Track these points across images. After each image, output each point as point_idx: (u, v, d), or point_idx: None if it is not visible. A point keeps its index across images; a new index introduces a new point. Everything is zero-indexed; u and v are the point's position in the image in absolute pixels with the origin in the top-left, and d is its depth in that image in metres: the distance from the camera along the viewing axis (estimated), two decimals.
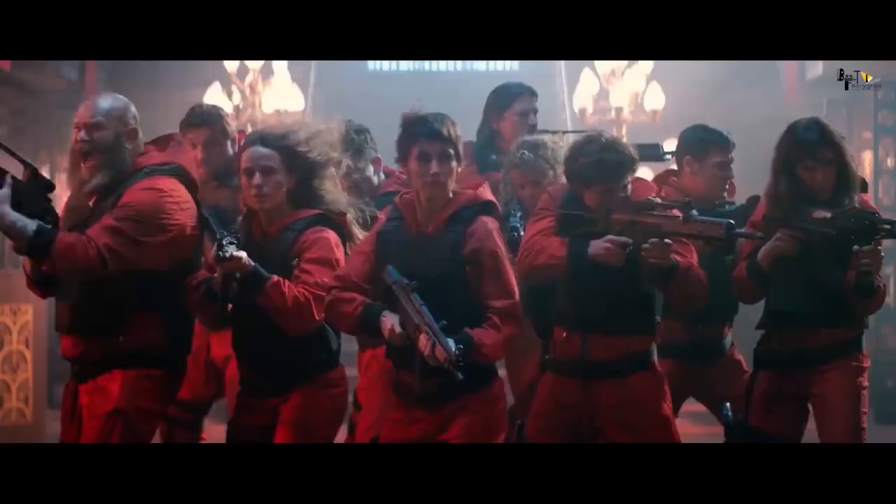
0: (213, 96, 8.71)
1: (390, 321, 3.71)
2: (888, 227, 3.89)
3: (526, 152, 4.55)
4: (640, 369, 4.02)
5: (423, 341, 3.59)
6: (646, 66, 8.84)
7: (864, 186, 4.19)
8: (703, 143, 4.60)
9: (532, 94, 5.21)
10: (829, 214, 3.94)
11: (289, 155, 3.93)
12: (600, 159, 3.94)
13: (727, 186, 4.68)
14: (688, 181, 4.64)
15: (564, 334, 4.05)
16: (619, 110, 8.79)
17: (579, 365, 3.99)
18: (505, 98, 5.18)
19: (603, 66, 8.95)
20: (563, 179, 4.34)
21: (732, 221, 3.85)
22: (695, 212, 3.88)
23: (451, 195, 3.85)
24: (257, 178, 3.89)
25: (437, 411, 3.85)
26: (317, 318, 3.82)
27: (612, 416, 4.00)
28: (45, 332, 7.25)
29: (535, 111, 5.18)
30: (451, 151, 3.82)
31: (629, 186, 4.00)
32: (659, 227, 3.88)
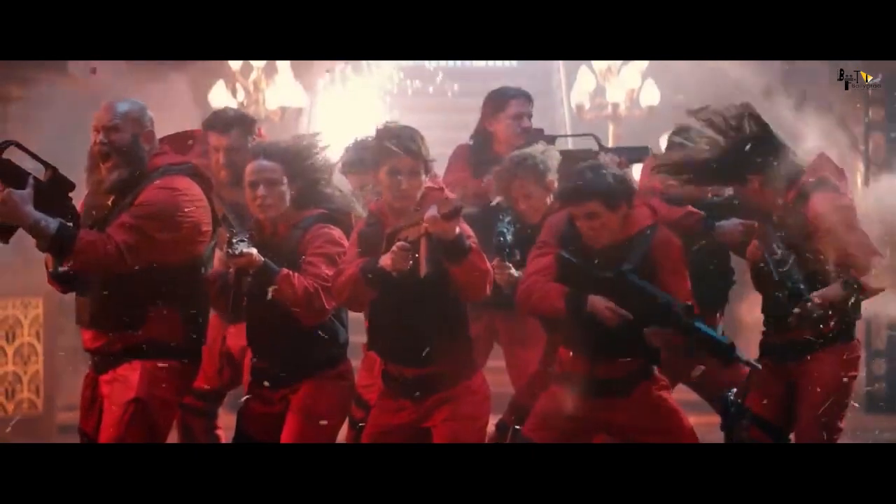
0: (218, 94, 8.81)
1: (390, 252, 3.85)
2: (797, 313, 4.05)
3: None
4: (644, 379, 4.20)
5: (430, 210, 3.74)
6: (641, 63, 8.93)
7: (820, 183, 4.25)
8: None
9: (527, 98, 5.26)
10: (778, 254, 4.11)
11: (291, 165, 4.11)
12: (579, 185, 4.12)
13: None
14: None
15: (571, 354, 4.22)
16: (615, 106, 8.88)
17: (587, 382, 4.15)
18: (499, 100, 5.25)
19: (600, 63, 9.03)
20: (555, 187, 4.53)
21: (734, 345, 4.00)
22: (700, 324, 4.00)
23: (418, 197, 4.01)
24: (261, 190, 4.07)
25: (422, 400, 4.05)
26: (327, 306, 3.99)
27: (626, 424, 4.17)
28: (56, 324, 7.39)
29: (530, 115, 5.23)
30: (421, 166, 4.00)
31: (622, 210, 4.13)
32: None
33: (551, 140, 5.15)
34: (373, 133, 4.11)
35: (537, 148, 4.75)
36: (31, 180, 3.88)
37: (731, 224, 4.48)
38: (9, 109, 8.94)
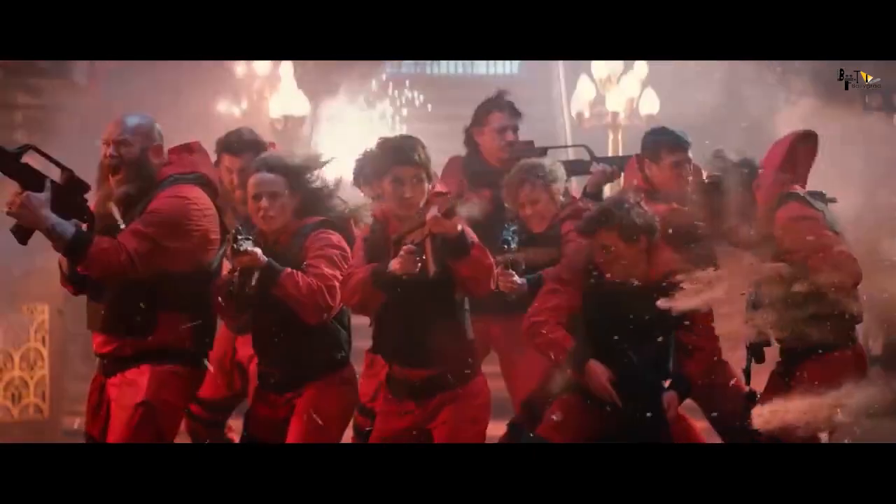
0: (222, 103, 8.87)
1: (399, 256, 3.96)
2: None
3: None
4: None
5: (431, 211, 3.86)
6: (641, 72, 8.99)
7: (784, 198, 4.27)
8: (657, 146, 4.88)
9: (512, 110, 5.25)
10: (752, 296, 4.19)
11: (293, 178, 4.20)
12: (595, 212, 4.24)
13: (690, 179, 4.88)
14: (652, 181, 4.91)
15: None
16: (614, 115, 8.93)
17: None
18: (484, 112, 5.27)
19: (600, 72, 9.10)
20: (559, 198, 4.60)
21: None
22: None
23: (422, 205, 4.10)
24: (264, 202, 4.16)
25: (426, 403, 4.15)
26: (331, 304, 4.07)
27: None
28: (61, 330, 7.46)
29: (515, 128, 5.23)
30: (424, 175, 4.10)
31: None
32: None
33: (543, 151, 5.23)
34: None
35: (545, 159, 4.86)
36: (48, 183, 3.97)
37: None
38: (15, 117, 9.02)
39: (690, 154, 4.92)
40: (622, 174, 5.28)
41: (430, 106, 10.45)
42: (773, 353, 4.44)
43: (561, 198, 4.83)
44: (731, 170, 4.27)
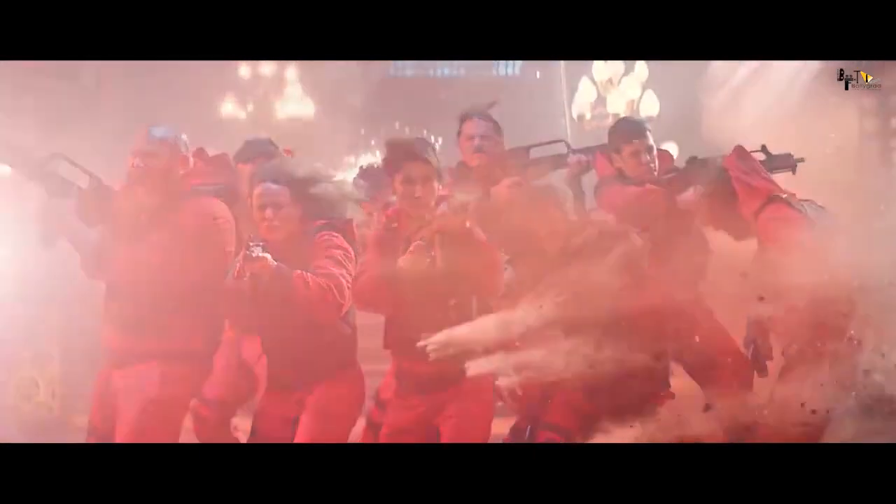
0: (229, 106, 8.97)
1: (408, 252, 4.08)
2: None
3: None
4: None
5: (440, 208, 4.00)
6: (641, 74, 9.08)
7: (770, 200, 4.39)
8: (616, 138, 4.99)
9: (483, 118, 5.25)
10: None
11: (296, 188, 4.29)
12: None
13: (654, 165, 4.99)
14: (620, 170, 5.01)
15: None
16: (615, 116, 9.01)
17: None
18: (461, 119, 5.31)
19: (600, 74, 9.19)
20: (572, 217, 4.70)
21: None
22: None
23: (433, 204, 4.22)
24: (269, 213, 4.25)
25: (433, 398, 4.24)
26: (341, 301, 4.15)
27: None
28: (71, 329, 7.55)
29: (483, 135, 5.22)
30: (434, 175, 4.21)
31: None
32: None
33: (525, 149, 5.31)
34: (378, 161, 4.30)
35: (558, 178, 4.98)
36: (75, 190, 4.12)
37: (690, 194, 4.64)
38: (24, 120, 9.11)
39: (651, 141, 5.02)
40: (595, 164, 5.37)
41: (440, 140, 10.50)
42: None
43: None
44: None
